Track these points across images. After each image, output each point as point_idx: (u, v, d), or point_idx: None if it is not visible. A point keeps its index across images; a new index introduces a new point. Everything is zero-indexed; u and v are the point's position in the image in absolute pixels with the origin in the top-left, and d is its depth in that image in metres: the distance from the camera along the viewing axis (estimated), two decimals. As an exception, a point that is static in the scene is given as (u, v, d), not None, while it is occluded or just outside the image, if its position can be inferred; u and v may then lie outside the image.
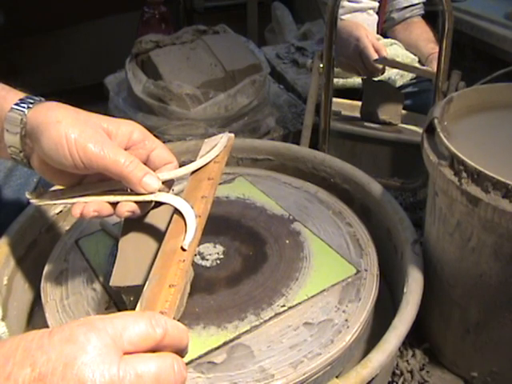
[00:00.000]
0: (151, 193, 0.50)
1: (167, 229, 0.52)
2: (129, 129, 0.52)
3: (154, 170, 0.52)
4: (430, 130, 0.59)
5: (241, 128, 1.04)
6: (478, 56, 1.24)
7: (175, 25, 1.87)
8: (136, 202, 0.51)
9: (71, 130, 0.47)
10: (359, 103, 1.06)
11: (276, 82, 1.33)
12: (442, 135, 0.56)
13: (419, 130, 0.98)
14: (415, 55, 1.14)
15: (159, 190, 0.51)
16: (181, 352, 0.39)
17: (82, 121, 0.49)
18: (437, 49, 0.84)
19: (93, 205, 0.50)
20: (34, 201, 0.53)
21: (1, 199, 0.74)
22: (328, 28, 0.85)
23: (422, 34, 1.15)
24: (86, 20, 2.17)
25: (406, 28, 1.18)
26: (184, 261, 0.48)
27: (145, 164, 0.51)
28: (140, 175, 0.49)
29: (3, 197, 0.74)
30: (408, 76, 1.12)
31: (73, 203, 0.51)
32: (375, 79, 1.08)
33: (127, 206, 0.51)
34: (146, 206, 0.53)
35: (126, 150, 0.51)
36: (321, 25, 1.40)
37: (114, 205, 0.51)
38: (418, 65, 1.12)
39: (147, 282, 0.47)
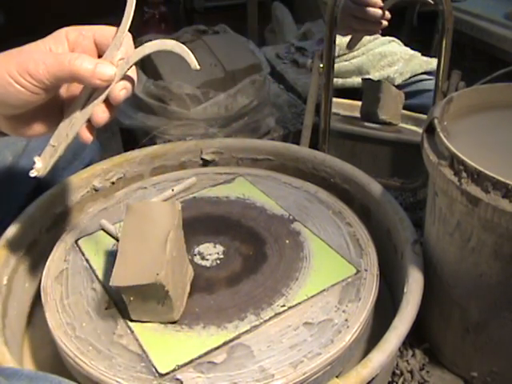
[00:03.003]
0: (109, 80, 0.48)
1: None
2: (61, 35, 0.50)
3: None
4: (430, 130, 0.59)
5: (241, 128, 1.04)
6: (477, 56, 1.25)
7: (175, 25, 1.87)
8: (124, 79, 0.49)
9: (9, 67, 0.46)
10: (359, 103, 1.06)
11: (276, 81, 1.33)
12: (441, 135, 0.56)
13: (419, 129, 0.98)
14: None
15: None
16: None
17: (15, 54, 0.48)
18: None
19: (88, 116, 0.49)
20: (40, 171, 0.51)
21: (1, 197, 0.74)
22: (328, 28, 0.85)
23: None
24: (86, 20, 2.17)
25: None
26: None
27: (100, 56, 0.50)
28: (90, 67, 0.47)
29: (3, 194, 0.74)
30: (407, 74, 1.12)
31: (73, 136, 0.50)
32: (375, 79, 1.08)
33: (118, 86, 0.49)
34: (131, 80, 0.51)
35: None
36: (321, 25, 1.40)
37: (106, 102, 0.50)
38: (420, 60, 1.12)
39: None
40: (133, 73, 0.51)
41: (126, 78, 0.50)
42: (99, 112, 0.50)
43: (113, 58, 0.49)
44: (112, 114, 0.51)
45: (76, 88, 0.53)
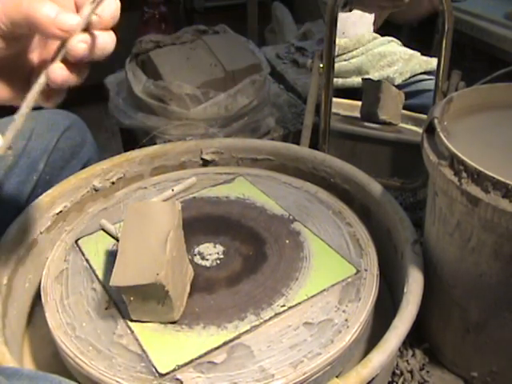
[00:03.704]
0: (69, 31, 0.42)
1: None
2: None
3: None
4: (430, 130, 0.59)
5: (241, 128, 1.04)
6: (477, 56, 1.24)
7: (175, 25, 1.87)
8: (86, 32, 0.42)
9: None
10: (359, 103, 1.06)
11: (276, 81, 1.33)
12: (441, 135, 0.56)
13: (419, 129, 0.98)
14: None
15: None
16: None
17: None
18: None
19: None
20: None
21: (0, 197, 0.74)
22: (328, 28, 0.85)
23: None
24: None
25: None
26: None
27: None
28: (51, 14, 0.41)
29: (3, 194, 0.74)
30: (407, 74, 1.12)
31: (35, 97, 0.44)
32: (374, 79, 1.08)
33: (77, 37, 0.42)
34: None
35: None
36: (321, 25, 1.40)
37: (65, 60, 0.44)
38: (419, 60, 1.12)
39: None
40: (109, 36, 0.44)
41: (92, 34, 0.43)
42: (56, 69, 0.44)
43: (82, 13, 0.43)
44: (74, 74, 0.45)
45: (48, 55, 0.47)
